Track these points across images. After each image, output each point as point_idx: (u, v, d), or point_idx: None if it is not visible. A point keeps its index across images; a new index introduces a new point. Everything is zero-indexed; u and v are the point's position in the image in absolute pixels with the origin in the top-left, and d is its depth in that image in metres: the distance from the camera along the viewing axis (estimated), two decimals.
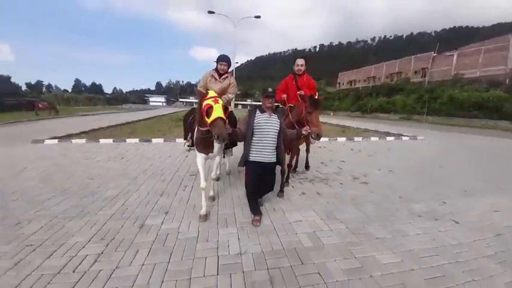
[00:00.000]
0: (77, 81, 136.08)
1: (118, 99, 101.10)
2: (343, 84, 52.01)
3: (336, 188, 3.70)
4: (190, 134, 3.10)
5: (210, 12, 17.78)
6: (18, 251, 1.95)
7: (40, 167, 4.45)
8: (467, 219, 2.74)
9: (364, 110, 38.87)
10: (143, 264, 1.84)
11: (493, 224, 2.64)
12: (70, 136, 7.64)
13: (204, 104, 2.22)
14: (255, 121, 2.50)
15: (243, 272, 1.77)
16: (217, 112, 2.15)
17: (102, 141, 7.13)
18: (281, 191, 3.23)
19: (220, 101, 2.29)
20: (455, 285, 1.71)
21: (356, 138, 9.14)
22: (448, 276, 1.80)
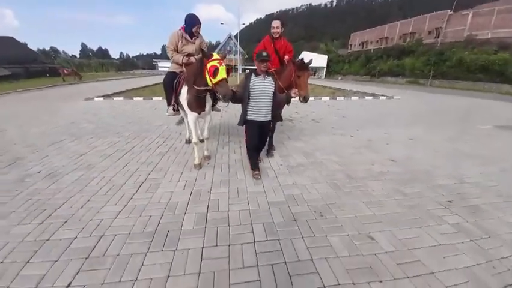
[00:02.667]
0: (84, 46, 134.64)
1: (127, 64, 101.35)
2: (355, 46, 49.81)
3: (296, 124, 5.78)
4: (174, 98, 3.24)
5: None
6: (131, 138, 4.26)
7: (104, 112, 6.77)
8: (360, 136, 4.79)
9: (373, 74, 38.44)
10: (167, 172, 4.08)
11: (371, 142, 4.68)
12: (110, 95, 9.91)
13: (210, 65, 2.36)
14: (251, 84, 2.61)
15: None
16: (222, 73, 2.36)
17: (135, 98, 9.38)
18: (270, 149, 3.60)
19: (223, 64, 2.45)
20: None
21: (338, 98, 10.86)
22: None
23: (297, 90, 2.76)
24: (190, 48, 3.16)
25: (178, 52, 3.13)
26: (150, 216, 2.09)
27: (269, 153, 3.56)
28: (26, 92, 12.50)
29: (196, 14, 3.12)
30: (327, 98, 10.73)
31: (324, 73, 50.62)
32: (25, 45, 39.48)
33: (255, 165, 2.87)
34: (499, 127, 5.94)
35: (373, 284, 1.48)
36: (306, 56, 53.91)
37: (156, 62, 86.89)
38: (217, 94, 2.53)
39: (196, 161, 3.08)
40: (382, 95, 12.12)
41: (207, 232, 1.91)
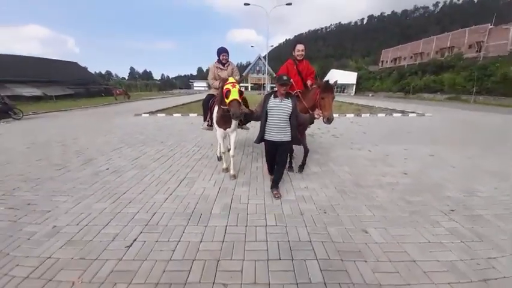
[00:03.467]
0: (132, 69, 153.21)
1: (167, 84, 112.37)
2: (386, 62, 48.57)
3: (317, 139, 6.17)
4: (209, 115, 3.73)
5: (246, 4, 19.89)
6: (173, 147, 5.14)
7: (150, 126, 8.00)
8: (378, 151, 4.98)
9: (407, 90, 36.74)
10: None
11: (387, 156, 4.84)
12: (154, 112, 11.49)
13: (225, 88, 2.76)
14: (268, 105, 2.71)
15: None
16: (234, 95, 2.68)
17: (175, 115, 10.76)
18: (302, 166, 3.72)
19: (237, 86, 2.78)
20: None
21: (363, 115, 10.91)
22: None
23: (321, 111, 2.78)
24: (224, 73, 3.73)
25: (216, 79, 3.75)
26: (188, 203, 2.72)
27: (301, 169, 3.72)
28: (88, 109, 15.02)
29: (223, 46, 3.76)
30: (352, 115, 10.86)
31: (354, 90, 49.80)
32: (85, 69, 46.99)
33: (273, 181, 3.00)
34: None
35: (358, 262, 1.84)
36: (333, 74, 54.00)
37: (192, 82, 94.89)
38: (230, 113, 2.72)
39: (224, 165, 3.69)
40: (412, 112, 11.78)
41: (230, 216, 2.45)
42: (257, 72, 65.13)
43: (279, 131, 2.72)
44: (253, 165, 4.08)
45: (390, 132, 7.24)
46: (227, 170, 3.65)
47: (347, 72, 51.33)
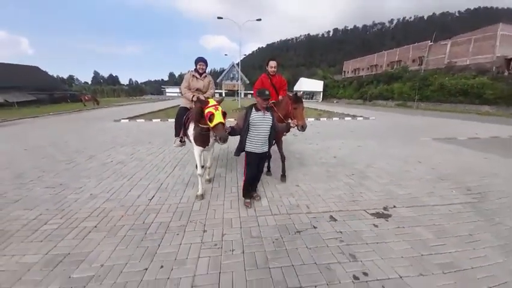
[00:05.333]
0: (96, 74, 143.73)
1: (136, 90, 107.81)
2: (348, 72, 53.81)
3: None
4: (182, 131, 3.54)
5: (219, 18, 21.33)
6: (160, 145, 6.18)
7: (133, 130, 8.81)
8: (322, 144, 6.64)
9: (365, 98, 41.35)
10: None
11: (328, 148, 6.53)
12: (132, 118, 12.12)
13: (207, 111, 2.58)
14: (251, 118, 2.78)
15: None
16: (218, 118, 2.54)
17: (154, 120, 11.55)
18: (283, 175, 3.89)
19: (220, 108, 2.64)
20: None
21: (321, 119, 12.92)
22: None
23: (295, 120, 3.07)
24: (200, 84, 3.59)
25: (190, 89, 3.59)
26: (183, 178, 3.94)
27: (283, 178, 3.89)
28: (60, 115, 14.85)
29: (202, 56, 3.65)
30: (312, 119, 12.79)
31: (321, 97, 54.05)
32: (47, 73, 43.84)
33: (247, 195, 3.08)
34: (435, 139, 7.77)
35: (290, 198, 3.25)
36: (302, 82, 57.65)
37: (164, 88, 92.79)
38: (215, 137, 2.64)
39: (199, 192, 3.23)
40: (360, 116, 14.20)
41: (214, 180, 3.72)
42: (231, 79, 66.66)
43: (263, 143, 2.87)
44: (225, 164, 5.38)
45: (338, 131, 9.13)
46: (202, 196, 3.24)
47: (314, 80, 55.67)
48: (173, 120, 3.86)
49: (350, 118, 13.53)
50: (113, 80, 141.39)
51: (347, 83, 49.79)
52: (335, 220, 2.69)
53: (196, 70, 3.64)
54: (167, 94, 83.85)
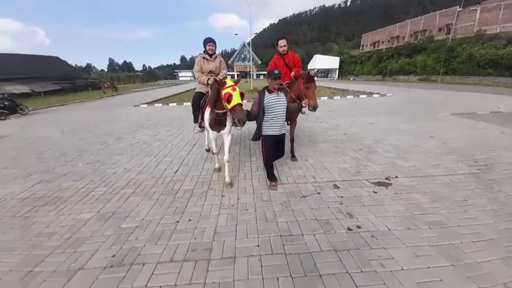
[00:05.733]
0: (111, 61, 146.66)
1: (150, 75, 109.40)
2: (366, 46, 50.40)
3: None
4: (200, 116, 3.48)
5: None
6: (179, 127, 6.66)
7: (152, 114, 9.38)
8: (333, 123, 6.75)
9: (385, 73, 39.08)
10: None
11: (338, 125, 6.63)
12: (151, 103, 12.72)
13: (224, 92, 2.49)
14: (265, 101, 2.75)
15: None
16: (236, 99, 2.47)
17: (171, 104, 12.08)
18: (293, 156, 3.97)
19: (237, 89, 2.55)
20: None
21: (335, 98, 12.72)
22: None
23: (307, 100, 3.01)
24: (211, 66, 3.55)
25: (202, 73, 3.56)
26: (202, 154, 4.37)
27: (293, 158, 3.98)
28: (84, 103, 15.89)
29: (210, 36, 3.56)
30: (326, 98, 12.64)
31: (337, 74, 51.72)
32: (67, 63, 45.69)
33: (272, 177, 3.08)
34: (453, 114, 7.54)
35: (293, 170, 3.58)
36: (317, 59, 55.06)
37: (177, 72, 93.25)
38: (234, 120, 2.63)
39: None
40: (377, 93, 13.74)
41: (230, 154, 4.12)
42: (242, 59, 65.24)
43: (280, 125, 2.87)
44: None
45: (350, 109, 9.08)
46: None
47: (329, 57, 52.95)
48: (189, 104, 4.05)
49: (365, 96, 13.17)
50: (127, 66, 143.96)
51: (365, 58, 46.93)
52: (338, 188, 2.99)
53: (206, 52, 3.56)
54: (181, 78, 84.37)
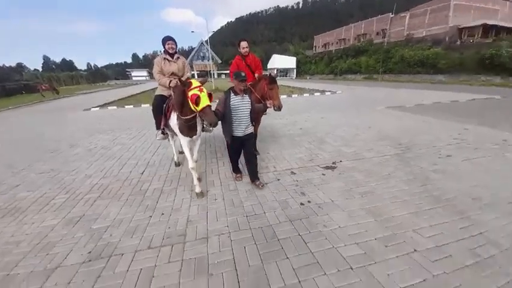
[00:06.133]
0: (46, 59, 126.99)
1: (97, 75, 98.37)
2: (318, 47, 54.41)
3: None
4: (163, 122, 3.23)
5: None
6: (140, 130, 6.46)
7: (107, 118, 8.78)
8: (291, 119, 7.40)
9: (335, 73, 42.85)
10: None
11: (296, 122, 7.32)
12: (103, 106, 11.75)
13: (191, 93, 2.34)
14: (231, 103, 2.80)
15: None
16: (205, 100, 2.34)
17: (126, 106, 11.36)
18: (255, 150, 4.05)
19: (205, 89, 2.43)
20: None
21: (293, 96, 13.67)
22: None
23: (271, 101, 3.15)
24: (173, 67, 3.31)
25: (164, 74, 3.31)
26: (168, 156, 4.44)
27: (255, 152, 3.98)
28: (18, 109, 13.75)
29: (168, 35, 3.28)
30: (285, 96, 13.48)
31: (295, 73, 54.61)
32: None
33: (237, 170, 3.31)
34: (388, 107, 8.97)
35: (261, 161, 3.98)
36: (275, 59, 57.05)
37: (129, 71, 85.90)
38: (204, 122, 2.54)
39: (197, 189, 2.90)
40: (329, 91, 15.22)
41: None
42: (202, 58, 63.63)
43: (245, 126, 2.92)
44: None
45: (306, 106, 9.98)
46: (202, 194, 2.92)
47: (287, 57, 55.57)
48: (148, 105, 3.77)
49: (319, 94, 14.49)
50: (67, 65, 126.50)
51: (318, 58, 50.65)
52: (294, 174, 3.49)
53: (166, 51, 3.29)
54: (134, 78, 78.05)
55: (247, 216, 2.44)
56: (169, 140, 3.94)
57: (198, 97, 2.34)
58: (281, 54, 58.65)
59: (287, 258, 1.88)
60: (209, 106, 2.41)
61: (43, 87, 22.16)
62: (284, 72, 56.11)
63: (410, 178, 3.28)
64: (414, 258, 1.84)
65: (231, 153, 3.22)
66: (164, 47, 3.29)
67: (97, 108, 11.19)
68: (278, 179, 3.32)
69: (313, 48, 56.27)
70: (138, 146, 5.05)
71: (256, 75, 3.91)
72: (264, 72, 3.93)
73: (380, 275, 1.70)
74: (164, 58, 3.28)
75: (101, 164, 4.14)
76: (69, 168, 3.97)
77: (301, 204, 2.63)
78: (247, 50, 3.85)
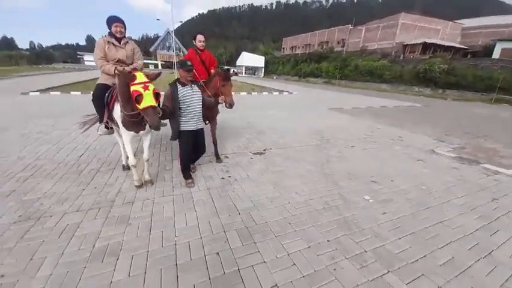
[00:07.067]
0: None
1: (41, 56, 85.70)
2: (286, 49, 56.69)
3: None
4: (106, 115, 2.88)
5: None
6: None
7: (48, 103, 8.19)
8: (246, 115, 8.01)
9: (300, 75, 45.34)
10: None
11: (246, 116, 7.97)
12: (45, 90, 10.73)
13: (133, 89, 2.10)
14: (180, 94, 2.62)
15: None
16: (148, 100, 2.10)
17: (73, 93, 10.59)
18: (218, 158, 3.86)
19: (151, 86, 2.18)
20: None
21: (253, 93, 14.39)
22: None
23: (223, 97, 3.09)
24: (120, 53, 2.86)
25: (107, 61, 2.84)
26: (111, 141, 4.60)
27: (218, 160, 3.87)
28: None
29: (115, 15, 2.81)
30: (245, 93, 14.11)
31: (263, 73, 55.96)
32: None
33: (188, 175, 3.03)
34: (330, 108, 10.24)
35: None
36: (244, 56, 57.48)
37: (81, 55, 76.58)
38: (147, 124, 2.27)
39: (137, 183, 2.83)
40: (286, 91, 16.38)
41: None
42: (167, 48, 60.62)
43: (197, 119, 2.80)
44: None
45: (261, 104, 10.75)
46: (141, 185, 2.87)
47: (256, 56, 56.62)
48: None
49: (277, 93, 15.51)
50: (7, 43, 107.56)
51: (285, 60, 52.78)
52: (227, 158, 4.06)
53: (111, 34, 2.82)
54: (87, 63, 70.01)
55: (173, 187, 2.92)
56: (116, 136, 3.37)
57: (140, 95, 2.10)
58: (251, 52, 59.43)
59: (195, 211, 2.43)
60: (152, 107, 2.15)
61: None
62: (252, 70, 57.04)
63: (316, 161, 4.11)
64: (286, 208, 2.58)
65: (184, 151, 2.88)
66: (110, 29, 2.80)
67: (37, 93, 10.18)
68: (211, 161, 3.85)
69: (282, 50, 58.34)
70: (80, 131, 5.04)
71: (212, 70, 3.79)
72: (219, 69, 3.71)
73: (258, 217, 2.37)
74: (109, 41, 2.80)
75: (36, 147, 4.11)
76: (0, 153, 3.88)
77: (222, 178, 3.22)
78: (203, 44, 3.68)
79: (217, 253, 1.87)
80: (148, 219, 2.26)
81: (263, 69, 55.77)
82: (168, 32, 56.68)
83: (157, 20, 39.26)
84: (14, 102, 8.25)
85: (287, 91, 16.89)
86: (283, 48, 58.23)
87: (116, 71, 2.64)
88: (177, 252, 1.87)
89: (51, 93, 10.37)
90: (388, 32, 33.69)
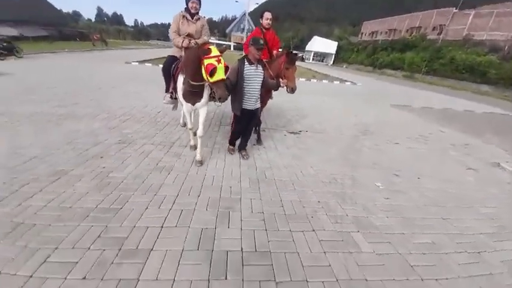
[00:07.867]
0: (99, 10, 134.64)
1: (141, 33, 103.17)
2: (365, 35, 50.55)
3: None
4: (172, 85, 3.08)
5: None
6: None
7: (145, 71, 10.48)
8: (301, 100, 8.31)
9: (375, 65, 40.27)
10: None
11: (296, 100, 8.21)
12: (142, 62, 13.59)
13: (208, 63, 2.20)
14: (245, 72, 2.67)
15: None
16: (220, 74, 2.22)
17: (160, 65, 12.96)
18: (259, 139, 3.94)
19: (223, 61, 2.28)
20: None
21: (312, 80, 14.17)
22: None
23: (285, 80, 2.96)
24: (191, 28, 3.07)
25: (179, 34, 3.06)
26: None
27: (259, 141, 3.95)
28: (73, 53, 16.28)
29: None
30: (304, 79, 14.05)
31: (333, 60, 52.07)
32: (53, 6, 42.59)
33: (232, 143, 3.30)
34: (392, 105, 9.31)
35: None
36: (315, 41, 54.50)
37: None
38: (215, 94, 2.39)
39: (192, 142, 3.37)
40: (349, 82, 15.34)
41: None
42: (242, 30, 63.16)
43: (256, 99, 2.84)
44: None
45: (318, 91, 10.66)
46: (195, 146, 3.20)
47: (328, 40, 52.60)
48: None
49: (338, 82, 14.74)
50: (117, 19, 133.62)
51: (361, 47, 47.32)
52: (264, 131, 4.64)
53: (187, 10, 3.08)
54: None
55: (214, 143, 3.76)
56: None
57: (215, 68, 2.21)
58: (326, 37, 55.58)
59: (224, 161, 3.17)
60: (223, 80, 2.32)
61: (95, 37, 24.89)
62: (321, 57, 53.83)
63: (346, 148, 4.24)
64: (296, 174, 3.04)
65: (237, 126, 3.09)
66: (186, 5, 3.07)
67: (136, 63, 13.03)
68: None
69: (360, 35, 52.46)
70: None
71: (274, 52, 3.72)
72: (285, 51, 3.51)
73: (270, 174, 2.91)
74: (184, 16, 3.06)
75: (132, 102, 5.69)
76: (109, 101, 5.58)
77: (253, 144, 3.87)
78: (270, 22, 3.55)
79: (230, 187, 2.57)
80: (192, 158, 3.15)
81: (333, 56, 51.80)
82: (244, 14, 58.68)
83: (236, 1, 41.33)
84: (120, 69, 10.91)
85: (350, 81, 15.77)
86: (362, 33, 52.10)
87: (184, 44, 2.91)
88: (204, 177, 2.70)
89: (146, 64, 13.08)
90: (504, 20, 25.82)
